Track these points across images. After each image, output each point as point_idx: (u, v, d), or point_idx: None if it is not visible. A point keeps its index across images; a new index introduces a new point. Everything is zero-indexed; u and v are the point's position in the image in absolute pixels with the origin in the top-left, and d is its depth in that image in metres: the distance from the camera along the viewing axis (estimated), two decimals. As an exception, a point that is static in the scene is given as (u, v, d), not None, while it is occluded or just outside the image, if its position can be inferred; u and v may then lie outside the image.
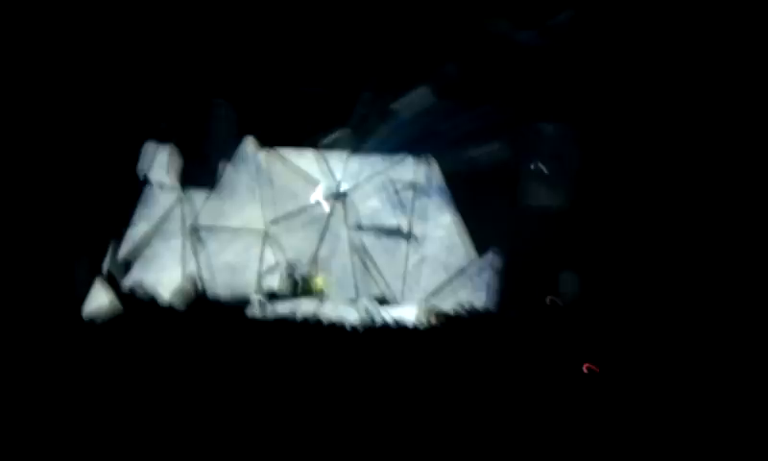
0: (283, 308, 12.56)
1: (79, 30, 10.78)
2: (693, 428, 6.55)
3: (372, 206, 14.29)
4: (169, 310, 12.26)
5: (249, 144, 13.75)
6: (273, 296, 13.22)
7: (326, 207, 14.01)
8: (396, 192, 14.40)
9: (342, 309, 12.26)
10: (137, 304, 12.40)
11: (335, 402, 8.58)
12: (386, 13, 10.49)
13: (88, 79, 11.65)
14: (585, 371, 8.46)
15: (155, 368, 9.44)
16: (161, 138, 13.40)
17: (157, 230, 13.49)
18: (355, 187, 14.23)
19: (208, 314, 12.08)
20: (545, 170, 12.90)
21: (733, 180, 11.07)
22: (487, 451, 7.03)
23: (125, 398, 8.61)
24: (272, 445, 7.92)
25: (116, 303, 12.27)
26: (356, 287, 13.99)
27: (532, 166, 12.95)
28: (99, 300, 12.27)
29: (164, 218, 13.52)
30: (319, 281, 13.39)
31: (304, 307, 12.34)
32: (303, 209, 14.06)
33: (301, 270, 13.59)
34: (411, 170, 14.41)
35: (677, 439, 6.49)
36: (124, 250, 13.29)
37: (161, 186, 13.51)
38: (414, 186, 14.39)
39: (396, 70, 11.96)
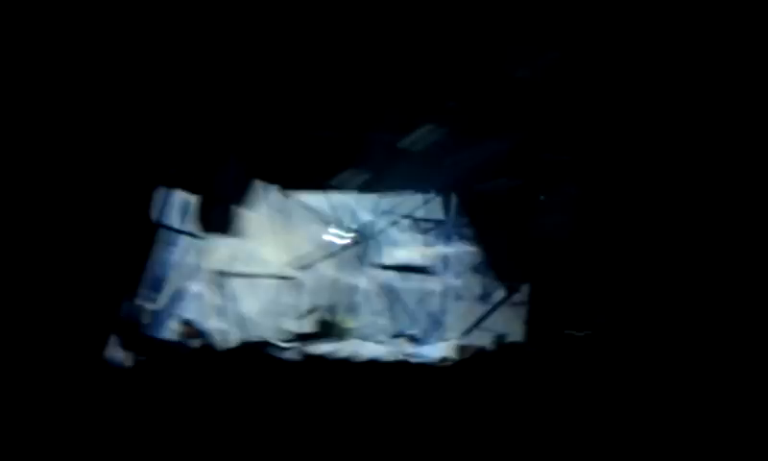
0: (309, 351, 12.62)
1: (93, 82, 10.91)
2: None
3: (401, 245, 14.41)
4: (191, 356, 12.30)
5: (263, 188, 13.88)
6: (298, 339, 13.24)
7: (345, 248, 14.13)
8: (412, 228, 14.57)
9: (370, 349, 12.30)
10: (158, 351, 12.44)
11: (369, 442, 8.63)
12: (388, 54, 10.66)
13: (98, 129, 11.76)
14: None
15: (178, 415, 9.47)
16: (173, 184, 13.46)
17: (183, 278, 13.52)
18: (373, 226, 14.37)
19: (232, 360, 12.12)
20: (554, 200, 13.04)
21: (741, 203, 11.19)
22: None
23: (150, 446, 8.65)
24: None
25: (137, 350, 12.32)
26: (382, 326, 14.09)
27: (541, 197, 13.09)
28: (119, 348, 12.32)
29: (182, 264, 13.57)
30: (344, 322, 13.45)
31: (331, 349, 12.39)
32: (322, 251, 14.17)
33: (326, 311, 13.65)
34: (425, 206, 14.60)
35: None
36: (142, 297, 13.35)
37: (177, 233, 13.58)
38: (429, 221, 14.56)
39: (402, 109, 12.12)
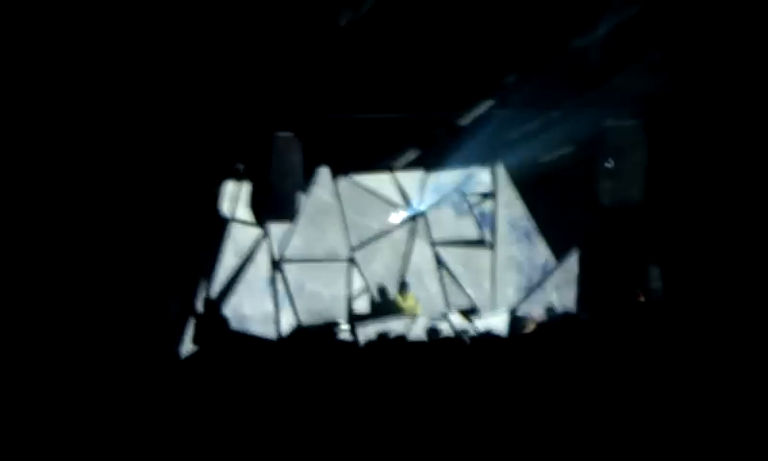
0: (375, 331, 12.69)
1: (152, 85, 11.07)
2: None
3: (452, 221, 14.49)
4: (263, 343, 12.44)
5: (324, 173, 13.99)
6: (356, 320, 13.35)
7: (407, 228, 14.19)
8: (474, 205, 14.57)
9: (433, 325, 12.33)
10: (232, 340, 12.60)
11: (430, 419, 8.63)
12: (444, 31, 10.60)
13: (166, 129, 11.94)
14: None
15: (252, 400, 9.57)
16: (239, 177, 13.65)
17: (246, 266, 13.70)
18: (433, 205, 14.41)
19: (302, 344, 12.22)
20: (617, 167, 12.90)
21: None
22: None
23: (224, 431, 8.75)
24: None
25: (211, 339, 12.50)
26: (445, 302, 14.16)
27: (604, 165, 12.96)
28: (195, 338, 12.51)
29: (252, 253, 13.74)
30: (408, 301, 13.52)
31: (396, 328, 12.45)
32: (385, 232, 14.27)
33: (389, 292, 13.73)
34: (485, 182, 14.59)
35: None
36: (214, 288, 13.54)
37: (244, 223, 13.75)
38: (490, 197, 14.56)
39: (461, 86, 12.06)
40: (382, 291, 14.00)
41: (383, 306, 13.81)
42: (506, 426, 7.64)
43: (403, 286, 13.84)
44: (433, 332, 11.89)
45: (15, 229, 11.36)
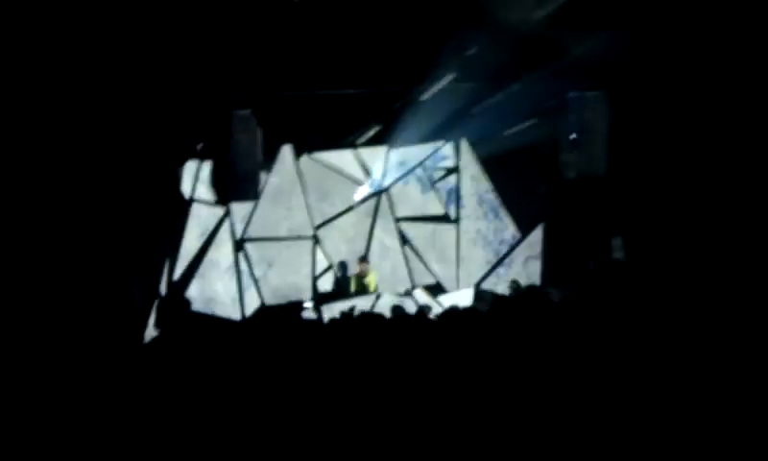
0: (339, 310, 12.65)
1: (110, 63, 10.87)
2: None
3: (416, 197, 14.46)
4: (227, 323, 12.36)
5: (286, 152, 13.88)
6: (328, 298, 13.29)
7: (371, 204, 14.14)
8: (438, 180, 14.54)
9: (398, 302, 12.30)
10: (195, 323, 12.51)
11: (394, 397, 8.58)
12: (402, 4, 10.48)
13: (123, 110, 11.77)
14: None
15: (217, 380, 9.49)
16: (200, 157, 13.52)
17: (209, 247, 13.59)
18: (397, 181, 14.37)
19: (267, 324, 12.15)
20: (580, 139, 12.87)
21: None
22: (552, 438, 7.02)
23: (188, 414, 8.66)
24: (338, 444, 7.92)
25: (175, 320, 12.39)
26: (410, 279, 14.14)
27: (567, 137, 12.92)
28: (158, 321, 12.40)
29: (214, 234, 13.63)
30: (372, 278, 13.47)
31: (361, 305, 12.41)
32: (349, 209, 14.21)
33: (354, 269, 13.68)
34: (449, 157, 14.56)
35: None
36: (178, 269, 13.42)
37: (206, 203, 13.62)
38: (453, 172, 14.54)
39: (421, 60, 11.96)
40: (347, 269, 13.92)
41: (348, 284, 13.74)
42: (472, 403, 7.59)
43: (368, 264, 13.77)
44: (397, 309, 11.84)
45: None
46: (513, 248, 14.52)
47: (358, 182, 14.35)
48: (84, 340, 10.83)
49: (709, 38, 10.72)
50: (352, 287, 13.52)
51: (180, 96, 11.86)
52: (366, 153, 14.41)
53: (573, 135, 12.88)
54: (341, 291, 13.63)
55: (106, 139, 11.82)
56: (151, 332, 12.33)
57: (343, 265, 13.88)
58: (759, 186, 10.87)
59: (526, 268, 14.34)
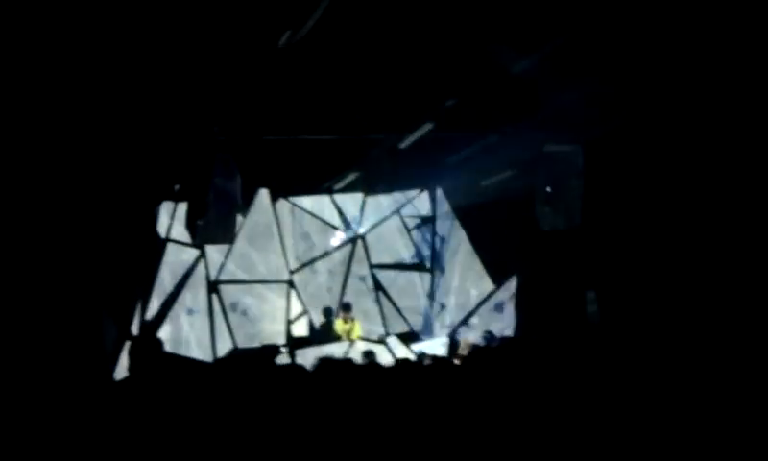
0: (313, 355, 12.57)
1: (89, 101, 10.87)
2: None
3: (391, 244, 14.50)
4: (199, 366, 12.27)
5: (263, 195, 13.90)
6: (302, 343, 13.23)
7: (346, 250, 14.17)
8: (413, 228, 14.61)
9: (371, 349, 12.27)
10: (166, 364, 12.38)
11: (369, 444, 8.53)
12: (384, 55, 10.58)
13: (101, 143, 11.75)
14: None
15: (188, 423, 9.40)
16: (176, 198, 13.50)
17: (183, 288, 13.52)
18: (372, 228, 14.42)
19: (239, 367, 12.05)
20: (556, 192, 12.99)
21: (746, 189, 11.09)
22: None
23: (157, 452, 8.57)
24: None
25: (146, 361, 12.26)
26: (384, 326, 14.13)
27: (543, 190, 13.04)
28: (129, 359, 12.29)
29: (188, 275, 13.56)
30: (356, 327, 13.42)
31: (334, 351, 12.37)
32: (324, 254, 14.23)
33: (328, 315, 13.63)
34: (424, 205, 14.64)
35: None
36: (151, 308, 13.34)
37: (183, 244, 13.58)
38: (429, 221, 14.61)
39: (400, 109, 12.06)
40: (322, 314, 13.88)
41: (322, 329, 13.68)
42: (449, 448, 7.58)
43: (342, 310, 13.74)
44: (370, 355, 11.83)
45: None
46: (487, 297, 14.56)
47: (334, 228, 14.38)
48: (53, 376, 10.72)
49: (686, 93, 10.91)
50: (335, 334, 13.42)
51: (162, 136, 11.88)
52: (343, 199, 14.47)
53: (549, 188, 12.99)
54: (320, 337, 13.54)
55: (84, 173, 11.79)
56: (121, 371, 12.21)
57: (328, 311, 13.81)
58: (735, 250, 11.01)
59: (499, 318, 14.37)
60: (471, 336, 13.51)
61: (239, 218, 13.46)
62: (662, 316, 11.47)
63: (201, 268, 13.67)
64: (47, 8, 8.65)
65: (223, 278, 13.77)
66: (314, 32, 9.43)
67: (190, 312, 13.50)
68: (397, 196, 14.64)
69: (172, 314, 13.41)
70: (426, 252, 14.72)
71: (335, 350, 12.37)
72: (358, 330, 13.45)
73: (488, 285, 14.62)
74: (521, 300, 14.39)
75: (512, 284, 14.48)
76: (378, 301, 14.41)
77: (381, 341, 13.13)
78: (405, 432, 7.96)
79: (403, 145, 12.82)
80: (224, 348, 13.57)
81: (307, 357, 12.28)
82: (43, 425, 7.83)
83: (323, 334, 13.48)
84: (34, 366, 10.61)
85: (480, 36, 10.14)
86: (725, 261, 11.09)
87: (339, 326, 13.46)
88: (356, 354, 12.25)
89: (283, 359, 12.64)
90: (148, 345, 12.41)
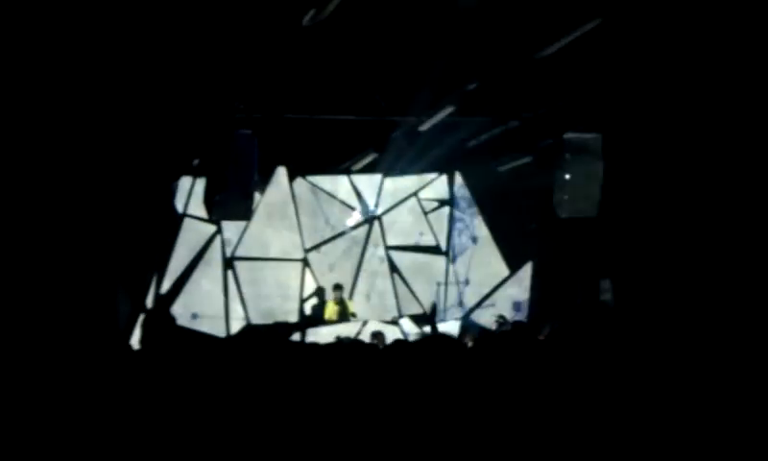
0: (325, 334, 12.61)
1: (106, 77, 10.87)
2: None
3: (407, 226, 14.47)
4: (212, 341, 12.28)
5: (281, 174, 13.89)
6: (314, 322, 13.24)
7: (362, 231, 14.15)
8: (429, 211, 14.58)
9: (383, 330, 12.26)
10: (179, 338, 12.41)
11: (379, 426, 8.54)
12: (406, 36, 10.54)
13: (121, 117, 11.75)
14: None
15: (200, 398, 9.44)
16: (195, 173, 13.50)
17: (198, 263, 13.55)
18: (389, 209, 14.39)
19: (252, 343, 12.08)
20: (574, 180, 12.90)
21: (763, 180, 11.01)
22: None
23: (172, 428, 8.60)
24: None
25: (160, 334, 12.30)
26: (397, 307, 14.13)
27: (561, 177, 12.97)
28: (142, 332, 12.32)
29: (204, 251, 13.59)
30: (347, 305, 13.41)
31: (346, 331, 12.40)
32: (340, 235, 14.22)
33: (341, 294, 13.63)
34: (442, 188, 14.60)
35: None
36: (166, 283, 13.38)
37: (199, 220, 13.59)
38: (446, 204, 14.57)
39: (421, 91, 12.03)
40: (334, 294, 13.86)
41: (335, 309, 13.65)
42: (457, 432, 7.58)
43: (355, 290, 13.76)
44: (380, 336, 11.83)
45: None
46: (501, 283, 14.54)
47: (351, 209, 14.37)
48: (66, 349, 10.76)
49: (704, 85, 10.83)
50: (327, 314, 13.44)
51: (182, 111, 11.87)
52: (360, 180, 14.45)
53: (567, 176, 12.92)
54: (328, 315, 13.54)
55: (102, 148, 11.81)
56: (135, 345, 12.25)
57: (320, 290, 13.85)
58: (748, 239, 10.95)
59: (513, 304, 14.36)
60: (484, 319, 13.49)
61: (256, 195, 13.43)
62: (678, 306, 11.44)
63: (216, 244, 13.71)
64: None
65: (238, 254, 13.77)
66: (338, 11, 9.40)
67: (204, 287, 13.53)
68: (415, 179, 14.57)
69: (186, 289, 13.45)
70: (442, 235, 14.67)
71: (346, 330, 12.42)
72: (351, 307, 13.44)
73: (503, 270, 14.59)
74: (536, 286, 14.36)
75: (527, 270, 14.45)
76: (393, 282, 14.40)
77: (394, 322, 13.14)
78: (406, 413, 7.95)
79: (423, 128, 12.78)
80: (237, 324, 13.60)
81: (319, 335, 12.35)
82: (56, 400, 7.87)
83: (333, 314, 13.46)
84: (48, 339, 10.66)
85: (504, 19, 10.10)
86: (743, 254, 11.04)
87: (329, 308, 13.43)
88: (367, 334, 12.29)
89: (295, 337, 12.68)
90: (161, 319, 12.49)
